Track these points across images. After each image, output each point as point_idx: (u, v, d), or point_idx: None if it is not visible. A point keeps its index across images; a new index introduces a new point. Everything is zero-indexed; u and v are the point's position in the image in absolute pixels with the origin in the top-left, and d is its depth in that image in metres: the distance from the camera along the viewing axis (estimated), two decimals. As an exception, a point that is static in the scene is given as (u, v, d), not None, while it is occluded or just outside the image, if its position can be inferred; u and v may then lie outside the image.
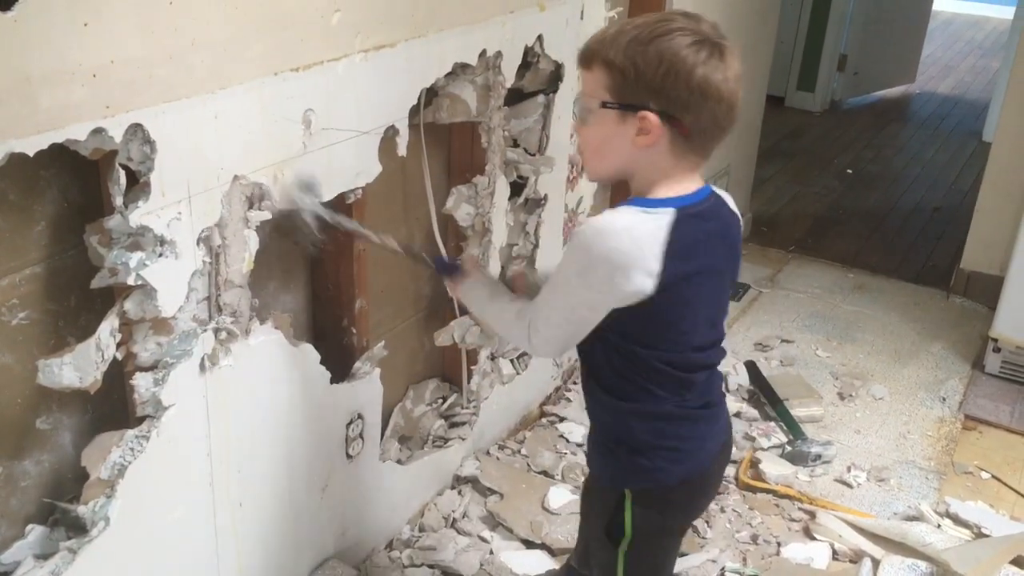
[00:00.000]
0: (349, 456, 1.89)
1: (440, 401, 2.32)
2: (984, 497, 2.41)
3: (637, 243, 1.22)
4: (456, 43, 1.84)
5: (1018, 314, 2.87)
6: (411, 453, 2.17)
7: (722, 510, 2.31)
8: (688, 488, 1.42)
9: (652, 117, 1.21)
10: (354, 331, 1.84)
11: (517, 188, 2.24)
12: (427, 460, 2.17)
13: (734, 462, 2.48)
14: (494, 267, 2.17)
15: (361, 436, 1.90)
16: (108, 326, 1.30)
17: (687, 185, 1.28)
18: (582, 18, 2.25)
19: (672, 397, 1.35)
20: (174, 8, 1.24)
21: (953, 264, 3.58)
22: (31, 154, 1.12)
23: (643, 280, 1.22)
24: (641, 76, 1.20)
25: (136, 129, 1.24)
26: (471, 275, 1.54)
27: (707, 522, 2.26)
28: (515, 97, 2.17)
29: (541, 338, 1.34)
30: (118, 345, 1.33)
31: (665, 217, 1.24)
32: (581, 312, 1.28)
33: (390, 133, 1.74)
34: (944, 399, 2.85)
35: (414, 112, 1.82)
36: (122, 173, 1.25)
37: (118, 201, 1.26)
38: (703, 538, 2.21)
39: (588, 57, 1.26)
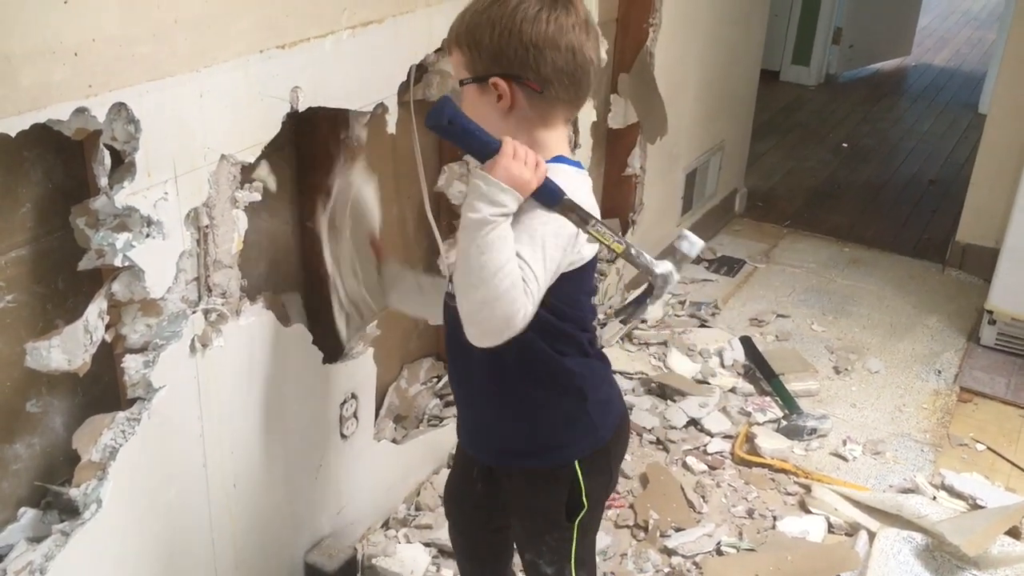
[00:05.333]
0: (343, 436, 1.88)
1: (435, 380, 2.32)
2: (979, 469, 2.41)
3: (591, 199, 1.29)
4: (445, 19, 1.80)
5: (1013, 286, 2.87)
6: (406, 432, 2.17)
7: (718, 485, 2.31)
8: (619, 435, 1.47)
9: (500, 82, 1.24)
10: (346, 310, 1.84)
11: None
12: (422, 439, 2.17)
13: (730, 437, 2.48)
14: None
15: (355, 416, 1.90)
16: (96, 308, 1.29)
17: (567, 147, 1.33)
18: (573, -8, 2.23)
19: (591, 337, 1.40)
20: (156, -15, 1.22)
21: (949, 237, 3.57)
22: (13, 135, 1.11)
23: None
24: (481, 46, 1.24)
25: (120, 108, 1.22)
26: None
27: (703, 497, 2.26)
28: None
29: (533, 303, 1.19)
30: (107, 327, 1.32)
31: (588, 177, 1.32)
32: (551, 271, 1.23)
33: (379, 111, 1.73)
34: (940, 372, 2.85)
35: (404, 89, 1.80)
36: (107, 153, 1.24)
37: (103, 182, 1.25)
38: (699, 513, 2.21)
39: (447, 42, 1.31)
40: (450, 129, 1.18)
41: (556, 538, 1.46)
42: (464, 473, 1.60)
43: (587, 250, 1.28)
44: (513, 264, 1.15)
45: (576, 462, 1.40)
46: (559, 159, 1.29)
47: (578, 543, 1.46)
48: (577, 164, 1.31)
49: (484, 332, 1.19)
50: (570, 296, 1.30)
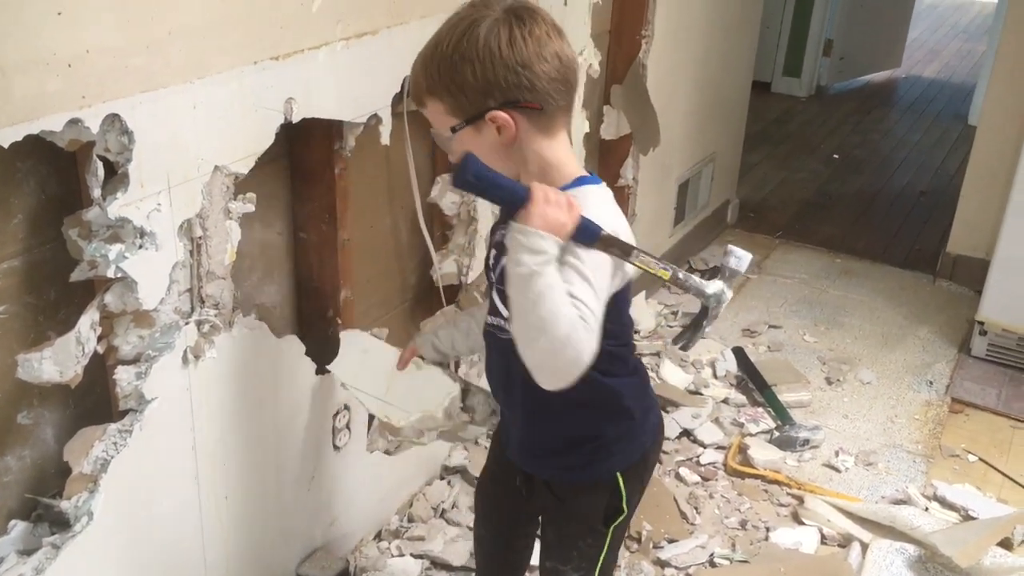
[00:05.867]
0: (336, 447, 1.88)
1: (427, 391, 2.31)
2: (971, 480, 2.42)
3: (620, 215, 1.29)
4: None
5: (1004, 297, 2.88)
6: (399, 443, 2.16)
7: (711, 496, 2.31)
8: (657, 439, 1.48)
9: (499, 114, 1.20)
10: (339, 322, 1.83)
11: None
12: (415, 450, 2.16)
13: (723, 448, 2.48)
14: (480, 256, 2.16)
15: (348, 427, 1.89)
16: (88, 319, 1.29)
17: (573, 156, 1.31)
18: (565, 4, 2.24)
19: (632, 348, 1.42)
20: (150, -4, 1.22)
21: (939, 248, 3.59)
22: (6, 146, 1.11)
23: None
24: (466, 86, 1.20)
25: (113, 120, 1.22)
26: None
27: (696, 508, 2.26)
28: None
29: (596, 338, 1.15)
30: (99, 339, 1.32)
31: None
32: (603, 302, 1.21)
33: (373, 122, 1.73)
34: (931, 383, 2.86)
35: (397, 100, 1.80)
36: (100, 164, 1.24)
37: (96, 193, 1.25)
38: (692, 524, 2.21)
39: (415, 96, 1.26)
40: (477, 184, 1.16)
41: (589, 544, 1.46)
42: (504, 477, 1.55)
43: (630, 268, 1.25)
44: (568, 306, 1.13)
45: (618, 474, 1.41)
46: (580, 181, 1.26)
47: (608, 549, 1.47)
48: (594, 179, 1.29)
49: (554, 377, 1.15)
50: (612, 314, 1.27)
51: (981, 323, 2.94)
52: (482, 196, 1.22)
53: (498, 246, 1.28)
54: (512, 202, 1.16)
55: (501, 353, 1.34)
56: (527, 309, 1.13)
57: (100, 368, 1.37)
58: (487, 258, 1.37)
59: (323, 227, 1.76)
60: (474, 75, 1.19)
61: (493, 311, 1.35)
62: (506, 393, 1.42)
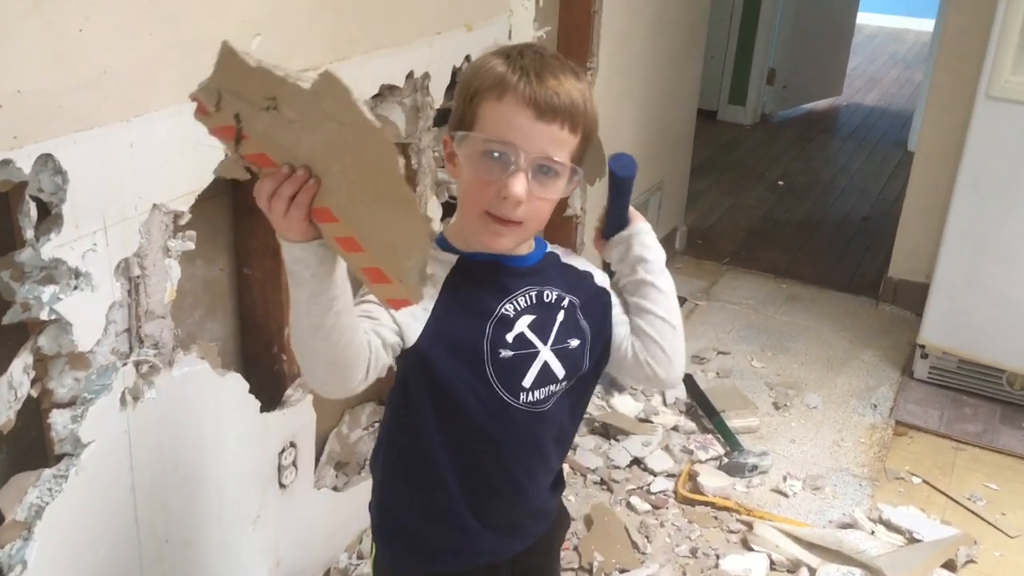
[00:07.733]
0: (283, 485, 1.85)
1: (377, 425, 2.29)
2: (916, 502, 2.46)
3: None
4: (382, 65, 1.83)
5: (943, 320, 2.94)
6: (348, 479, 2.14)
7: (661, 524, 2.32)
8: None
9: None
10: (284, 358, 1.81)
11: (449, 208, 2.23)
12: (364, 486, 2.14)
13: (673, 475, 2.49)
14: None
15: (295, 464, 1.87)
16: (21, 363, 1.26)
17: None
18: (510, 38, 2.26)
19: None
20: (84, 36, 1.21)
21: (882, 272, 3.66)
22: (-67, 188, 1.09)
23: None
24: (590, 139, 1.18)
25: (46, 159, 1.20)
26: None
27: (647, 537, 2.27)
28: (445, 118, 2.16)
29: None
30: (33, 382, 1.29)
31: None
32: None
33: (316, 157, 1.72)
34: (875, 406, 2.90)
35: (341, 135, 1.80)
36: (33, 205, 1.21)
37: (29, 234, 1.22)
38: (643, 553, 2.22)
39: (575, 117, 1.11)
40: (630, 183, 1.22)
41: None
42: None
43: None
44: None
45: None
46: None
47: None
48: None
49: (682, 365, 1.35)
50: None
51: (922, 346, 3.01)
52: (622, 194, 1.24)
53: (549, 308, 1.22)
54: (626, 210, 1.26)
55: (535, 430, 1.22)
56: (671, 296, 1.31)
57: (34, 412, 1.34)
58: (490, 328, 1.18)
59: (267, 263, 1.74)
60: (595, 132, 1.18)
61: (513, 389, 1.18)
62: (530, 474, 1.27)
